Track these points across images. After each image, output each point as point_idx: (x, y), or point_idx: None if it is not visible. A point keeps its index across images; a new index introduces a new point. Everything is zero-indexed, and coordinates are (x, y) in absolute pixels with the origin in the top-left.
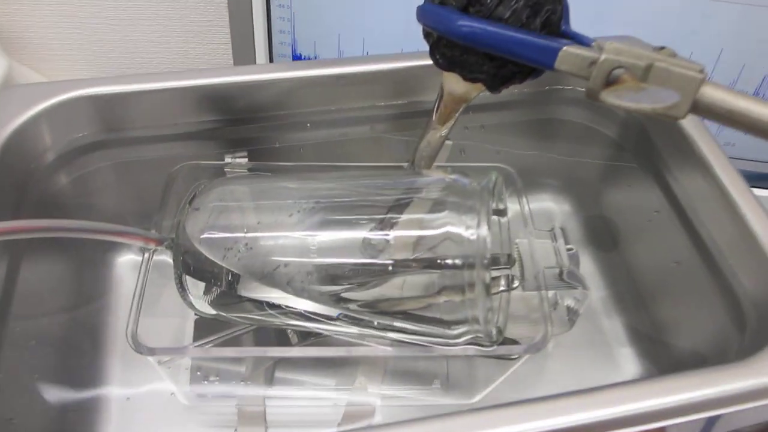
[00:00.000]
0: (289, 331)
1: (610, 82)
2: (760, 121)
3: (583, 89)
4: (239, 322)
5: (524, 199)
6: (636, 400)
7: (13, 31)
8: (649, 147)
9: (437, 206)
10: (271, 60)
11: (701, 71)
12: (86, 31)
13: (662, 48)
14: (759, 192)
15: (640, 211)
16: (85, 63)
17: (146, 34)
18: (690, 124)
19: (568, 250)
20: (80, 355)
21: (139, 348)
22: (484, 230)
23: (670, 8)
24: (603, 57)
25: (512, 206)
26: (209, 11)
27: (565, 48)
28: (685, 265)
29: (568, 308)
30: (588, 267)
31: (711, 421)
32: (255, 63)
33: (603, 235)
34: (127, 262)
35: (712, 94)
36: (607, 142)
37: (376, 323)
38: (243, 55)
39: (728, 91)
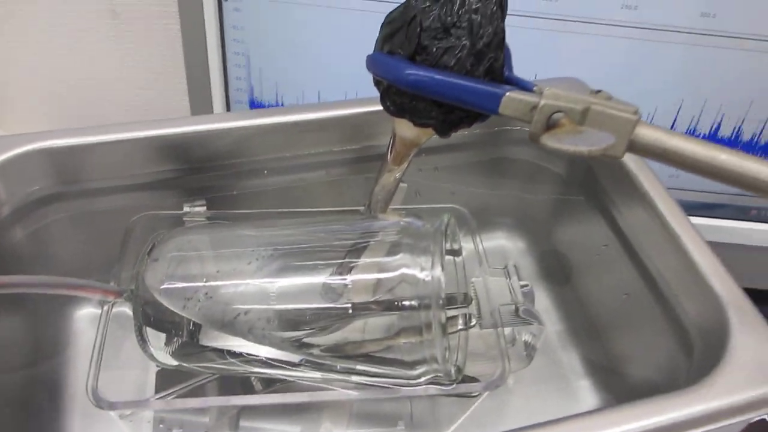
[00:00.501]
0: (253, 378)
1: (550, 126)
2: (691, 158)
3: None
4: (202, 371)
5: (478, 239)
6: (594, 429)
7: None
8: (595, 183)
9: (393, 249)
10: (228, 106)
11: (635, 112)
12: (42, 79)
13: (599, 91)
14: (701, 221)
15: (589, 245)
16: (41, 111)
17: (103, 82)
18: (631, 161)
19: (523, 286)
20: (39, 413)
21: (100, 403)
22: (437, 271)
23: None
24: (542, 102)
25: (467, 246)
26: (166, 58)
27: (507, 94)
28: (634, 296)
29: (526, 343)
30: (543, 302)
31: None
32: (212, 110)
33: (556, 270)
34: (85, 315)
35: (646, 133)
36: (555, 180)
37: (338, 367)
38: (200, 102)
39: (661, 130)
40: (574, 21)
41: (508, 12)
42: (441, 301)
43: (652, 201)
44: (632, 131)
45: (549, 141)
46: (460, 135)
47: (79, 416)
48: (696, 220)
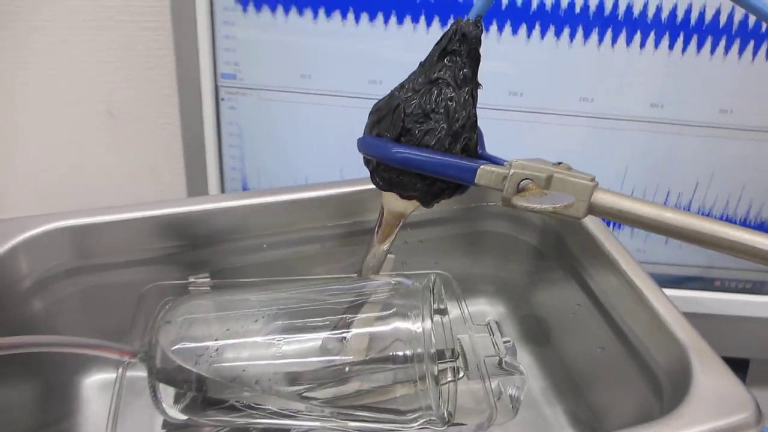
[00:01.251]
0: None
1: (519, 190)
2: (642, 217)
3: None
4: (209, 424)
5: (462, 301)
6: None
7: None
8: (566, 250)
9: (385, 307)
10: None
11: (592, 180)
12: (39, 174)
13: (560, 163)
14: (668, 292)
15: (564, 306)
16: (38, 205)
17: (99, 176)
18: (596, 229)
19: (505, 342)
20: None
21: None
22: (428, 324)
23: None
24: (512, 171)
25: (452, 308)
26: (162, 155)
27: (482, 167)
28: (608, 349)
29: (511, 397)
30: (525, 360)
31: None
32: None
33: (536, 331)
34: (93, 383)
35: (603, 197)
36: (530, 250)
37: (338, 415)
38: (197, 193)
39: (616, 194)
40: (539, 113)
41: (481, 106)
42: (432, 352)
43: (617, 262)
44: (591, 195)
45: (519, 201)
46: (442, 210)
47: None
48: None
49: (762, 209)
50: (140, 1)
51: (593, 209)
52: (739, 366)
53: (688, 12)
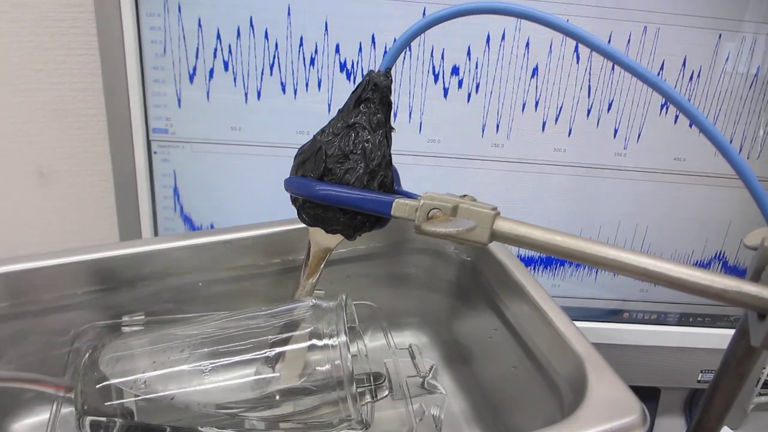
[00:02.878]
0: None
1: (429, 218)
2: (536, 240)
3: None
4: None
5: (387, 330)
6: None
7: None
8: (482, 281)
9: (303, 327)
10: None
11: (494, 209)
12: None
13: (465, 195)
14: (580, 324)
15: (482, 332)
16: None
17: (29, 231)
18: (508, 261)
19: (430, 367)
20: None
21: None
22: (342, 338)
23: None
24: (422, 202)
25: (378, 338)
26: (93, 210)
27: (396, 200)
28: (519, 368)
29: (434, 417)
30: (448, 383)
31: None
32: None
33: (457, 355)
34: (21, 427)
35: (502, 224)
36: (450, 282)
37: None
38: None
39: (515, 222)
40: (456, 158)
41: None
42: (348, 364)
43: (525, 289)
44: (492, 222)
45: (427, 227)
46: (368, 247)
47: None
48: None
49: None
50: (70, 64)
51: (495, 235)
52: (651, 394)
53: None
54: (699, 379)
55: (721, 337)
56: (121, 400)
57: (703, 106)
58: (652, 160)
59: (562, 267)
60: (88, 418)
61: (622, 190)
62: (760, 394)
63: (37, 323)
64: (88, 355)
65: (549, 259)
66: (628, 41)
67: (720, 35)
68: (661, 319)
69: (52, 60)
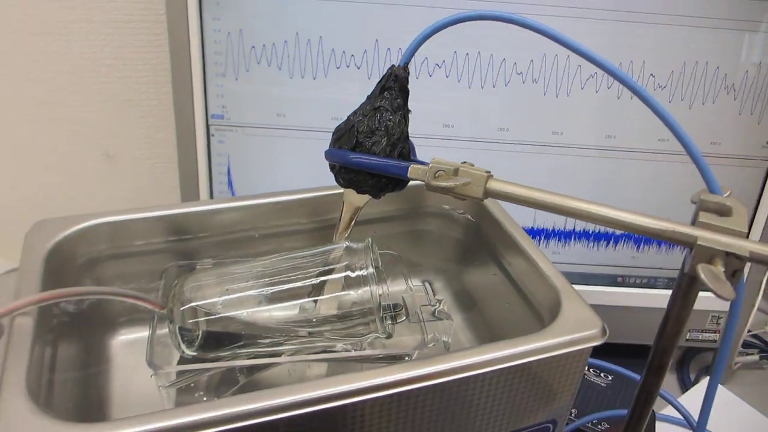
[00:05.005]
0: (237, 371)
1: (436, 177)
2: (522, 196)
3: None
4: (212, 360)
5: (405, 273)
6: (489, 353)
7: None
8: (482, 237)
9: (339, 262)
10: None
11: (488, 172)
12: (32, 209)
13: (464, 162)
14: (578, 287)
15: (483, 277)
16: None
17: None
18: (504, 219)
19: (438, 299)
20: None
21: (155, 368)
22: (371, 269)
23: None
24: (430, 165)
25: (399, 283)
26: (153, 189)
27: (411, 165)
28: (512, 303)
29: (444, 342)
30: (457, 319)
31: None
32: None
33: (465, 298)
34: (119, 342)
35: (494, 184)
36: (457, 239)
37: (311, 335)
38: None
39: (505, 182)
40: (466, 140)
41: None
42: (375, 284)
43: (516, 241)
44: (486, 182)
45: (433, 182)
46: (389, 210)
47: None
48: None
49: None
50: (136, 60)
51: (488, 192)
52: (640, 351)
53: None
54: (687, 337)
55: (703, 299)
56: (203, 318)
57: None
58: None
59: (567, 240)
60: (179, 326)
61: (605, 169)
62: (746, 354)
63: (134, 262)
64: (175, 284)
65: (554, 232)
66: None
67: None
68: (650, 283)
69: (120, 57)
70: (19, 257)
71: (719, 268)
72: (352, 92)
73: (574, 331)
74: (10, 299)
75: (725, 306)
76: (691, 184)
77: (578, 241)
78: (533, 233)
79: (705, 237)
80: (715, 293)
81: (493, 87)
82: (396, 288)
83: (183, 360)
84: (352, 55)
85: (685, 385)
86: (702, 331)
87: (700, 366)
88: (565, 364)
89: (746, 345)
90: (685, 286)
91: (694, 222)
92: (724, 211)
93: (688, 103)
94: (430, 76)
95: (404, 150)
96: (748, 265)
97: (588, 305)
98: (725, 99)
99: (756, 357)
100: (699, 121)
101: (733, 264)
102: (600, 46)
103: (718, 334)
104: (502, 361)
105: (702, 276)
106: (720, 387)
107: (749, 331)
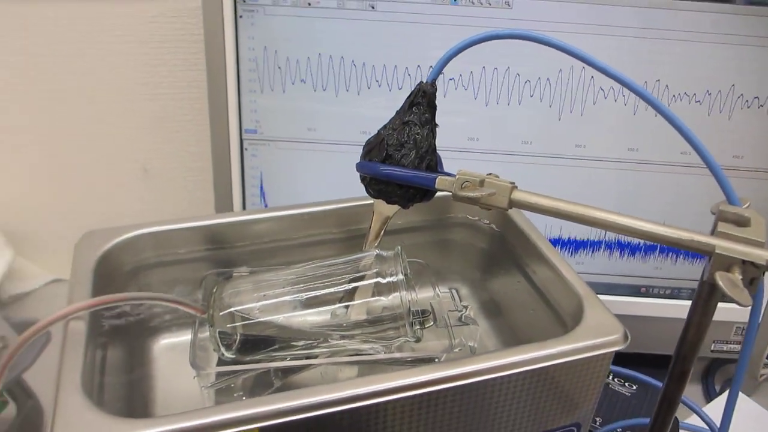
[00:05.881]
0: (272, 374)
1: (462, 188)
2: (545, 206)
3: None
4: (249, 362)
5: (433, 281)
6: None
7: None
8: (507, 246)
9: (371, 269)
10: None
11: (512, 183)
12: (72, 222)
13: (490, 174)
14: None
15: (508, 285)
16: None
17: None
18: (528, 229)
19: (464, 305)
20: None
21: (198, 369)
22: (400, 276)
23: None
24: (457, 176)
25: (428, 291)
26: (186, 201)
27: (439, 177)
28: (536, 309)
29: (470, 347)
30: (483, 324)
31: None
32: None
33: (490, 305)
34: (161, 345)
35: (518, 195)
36: (482, 248)
37: (342, 338)
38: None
39: (529, 193)
40: (490, 153)
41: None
42: (404, 290)
43: (540, 250)
44: (510, 193)
45: (460, 192)
46: (417, 220)
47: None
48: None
49: None
50: (171, 78)
51: (513, 203)
52: (664, 361)
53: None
54: (712, 348)
55: (727, 310)
56: (241, 322)
57: None
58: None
59: (592, 250)
60: (218, 330)
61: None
62: None
63: (175, 270)
64: (215, 290)
65: (580, 242)
66: None
67: None
68: (674, 294)
69: (157, 75)
70: (61, 268)
71: (737, 276)
72: (379, 107)
73: (596, 336)
74: (56, 307)
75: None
76: (714, 196)
77: (602, 251)
78: (559, 243)
79: (723, 246)
80: (732, 300)
81: (518, 102)
82: (424, 295)
83: (221, 362)
84: (380, 71)
85: (710, 396)
86: (727, 342)
87: (725, 377)
88: (587, 368)
89: None
90: (705, 295)
91: (713, 232)
92: (742, 222)
93: (716, 117)
94: (456, 90)
95: (431, 162)
96: None
97: (610, 312)
98: (747, 114)
99: None
100: (720, 134)
101: (751, 272)
102: (623, 63)
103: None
104: (525, 363)
105: (720, 283)
106: (746, 398)
107: None
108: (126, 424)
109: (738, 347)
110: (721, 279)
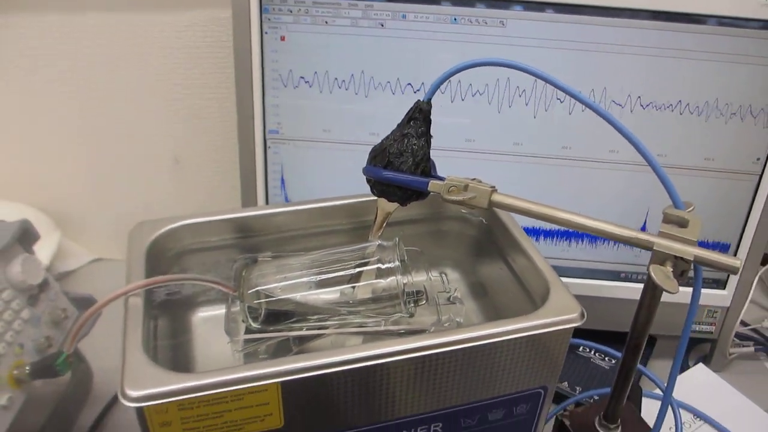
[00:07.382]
0: (291, 341)
1: (449, 191)
2: (520, 207)
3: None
4: (272, 332)
5: (427, 266)
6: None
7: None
8: (492, 237)
9: (373, 256)
10: None
11: (492, 187)
12: (111, 206)
13: (474, 179)
14: (585, 281)
15: (492, 270)
16: (109, 236)
17: (161, 208)
18: (511, 224)
19: (453, 288)
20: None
21: (231, 336)
22: (397, 262)
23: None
24: (446, 181)
25: (422, 275)
26: (213, 189)
27: (431, 181)
28: (513, 292)
29: (457, 322)
30: (469, 304)
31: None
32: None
33: (478, 288)
34: (199, 317)
35: (497, 197)
36: (472, 238)
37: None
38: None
39: (506, 195)
40: (485, 153)
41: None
42: (400, 274)
43: (519, 242)
44: (490, 195)
45: (446, 196)
46: (416, 213)
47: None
48: (582, 281)
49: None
50: (201, 80)
51: (493, 204)
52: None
53: None
54: None
55: (704, 295)
56: (266, 299)
57: None
58: None
59: (577, 239)
60: (247, 305)
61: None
62: (742, 346)
63: (210, 255)
64: (244, 272)
65: (564, 232)
66: None
67: None
68: None
69: (189, 77)
70: (102, 249)
71: (668, 269)
72: (385, 111)
73: (558, 314)
74: (98, 283)
75: (720, 302)
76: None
77: (585, 240)
78: (547, 233)
79: (660, 243)
80: (662, 288)
81: (509, 107)
82: (419, 278)
83: (248, 331)
84: (387, 80)
85: (683, 371)
86: (699, 323)
87: (699, 354)
88: (551, 340)
89: (744, 338)
90: (652, 283)
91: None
92: (682, 223)
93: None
94: (454, 96)
95: (426, 168)
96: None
97: (571, 294)
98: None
99: (751, 348)
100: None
101: (681, 266)
102: (609, 78)
103: (713, 327)
104: (501, 335)
105: (652, 274)
106: (715, 375)
107: (747, 324)
108: (177, 377)
109: (710, 327)
110: (654, 271)
